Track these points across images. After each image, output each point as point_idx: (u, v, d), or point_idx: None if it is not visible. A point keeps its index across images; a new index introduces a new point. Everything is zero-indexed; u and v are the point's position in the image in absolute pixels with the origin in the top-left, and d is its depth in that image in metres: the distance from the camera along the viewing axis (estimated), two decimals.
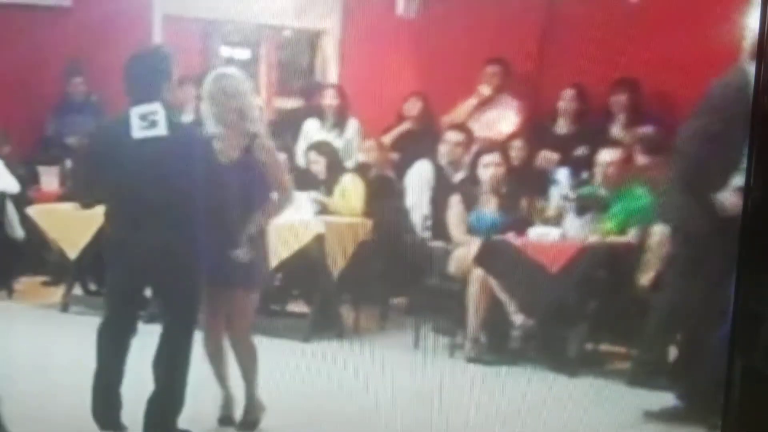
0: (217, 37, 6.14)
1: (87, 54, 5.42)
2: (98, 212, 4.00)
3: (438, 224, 5.19)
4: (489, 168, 5.14)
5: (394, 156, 5.66)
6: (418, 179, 5.41)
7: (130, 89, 3.83)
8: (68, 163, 5.64)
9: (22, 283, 5.60)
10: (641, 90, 5.26)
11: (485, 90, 5.67)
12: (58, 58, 5.60)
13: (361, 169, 5.50)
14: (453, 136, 5.40)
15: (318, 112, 5.67)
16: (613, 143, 5.08)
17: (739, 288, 2.61)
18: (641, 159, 4.99)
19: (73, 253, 5.25)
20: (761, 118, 2.50)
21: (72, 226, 5.15)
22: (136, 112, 3.77)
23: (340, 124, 5.62)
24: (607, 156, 4.96)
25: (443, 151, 5.39)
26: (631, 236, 4.84)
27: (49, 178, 5.68)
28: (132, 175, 3.74)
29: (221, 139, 3.95)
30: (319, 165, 5.37)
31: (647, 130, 5.11)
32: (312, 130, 5.64)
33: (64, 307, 5.39)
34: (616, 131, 5.31)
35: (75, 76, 5.70)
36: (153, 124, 3.76)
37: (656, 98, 5.24)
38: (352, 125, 5.63)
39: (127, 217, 3.79)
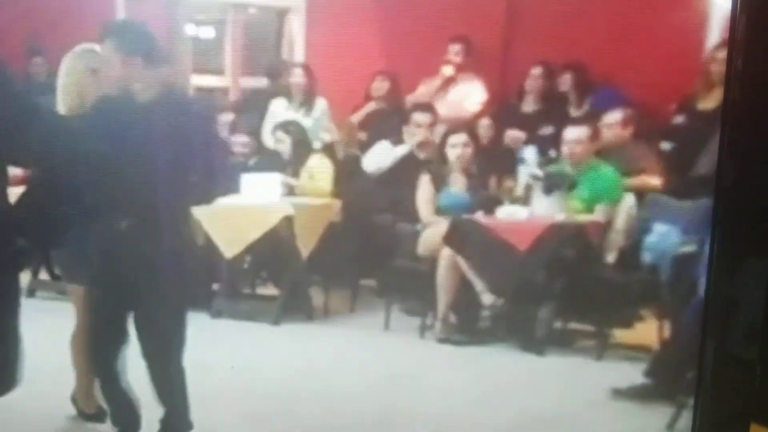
0: (181, 15, 6.03)
1: (48, 32, 5.29)
2: None
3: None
4: (456, 148, 5.14)
5: (363, 136, 5.63)
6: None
7: None
8: None
9: None
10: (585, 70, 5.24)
11: (447, 70, 5.65)
12: (19, 37, 5.47)
13: (329, 149, 5.47)
14: (420, 117, 5.36)
15: (285, 92, 5.62)
16: (579, 121, 5.09)
17: (712, 271, 2.63)
18: (620, 136, 4.98)
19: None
20: (732, 105, 2.52)
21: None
22: None
23: (307, 103, 5.56)
24: (572, 134, 4.97)
25: (411, 132, 5.36)
26: (598, 214, 4.88)
27: None
28: None
29: None
30: (284, 144, 5.32)
31: (627, 110, 5.11)
32: (279, 110, 5.58)
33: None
34: (573, 110, 5.31)
35: (35, 56, 5.57)
36: None
37: (630, 76, 5.23)
38: (320, 104, 5.58)
39: None
